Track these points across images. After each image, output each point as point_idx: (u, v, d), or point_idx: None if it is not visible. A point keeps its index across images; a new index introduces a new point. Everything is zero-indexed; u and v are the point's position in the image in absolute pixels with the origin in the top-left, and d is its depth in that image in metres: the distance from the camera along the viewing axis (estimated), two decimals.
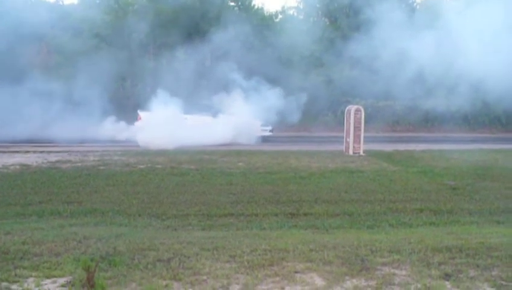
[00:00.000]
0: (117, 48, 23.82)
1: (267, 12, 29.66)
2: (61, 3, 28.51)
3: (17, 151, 15.20)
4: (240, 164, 13.07)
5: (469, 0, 20.90)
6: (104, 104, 19.90)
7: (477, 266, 4.88)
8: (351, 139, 15.51)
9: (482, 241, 5.82)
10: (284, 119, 20.28)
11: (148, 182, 10.50)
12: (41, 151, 15.16)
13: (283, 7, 33.08)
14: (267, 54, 24.01)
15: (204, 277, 4.49)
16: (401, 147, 17.12)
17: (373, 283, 4.41)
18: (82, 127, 17.98)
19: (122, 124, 19.18)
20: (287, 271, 4.67)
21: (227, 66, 20.57)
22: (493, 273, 4.69)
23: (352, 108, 15.91)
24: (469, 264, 4.92)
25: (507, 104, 22.63)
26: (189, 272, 4.62)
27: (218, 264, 4.84)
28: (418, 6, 29.49)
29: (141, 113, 18.41)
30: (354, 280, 4.47)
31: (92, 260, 4.11)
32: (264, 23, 27.51)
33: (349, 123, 15.61)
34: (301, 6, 29.85)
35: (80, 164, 12.71)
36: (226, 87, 19.91)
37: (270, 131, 19.53)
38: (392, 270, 4.73)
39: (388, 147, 16.90)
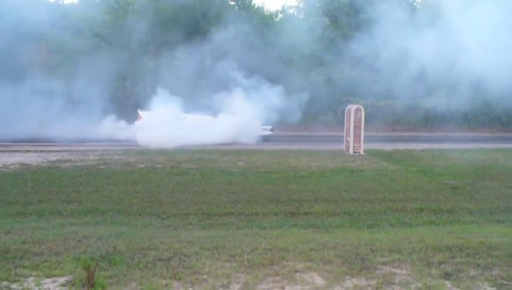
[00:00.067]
0: (117, 47, 23.83)
1: (267, 12, 29.72)
2: (61, 2, 28.56)
3: (18, 151, 15.20)
4: (240, 163, 13.07)
5: None
6: (104, 103, 19.91)
7: (478, 265, 4.87)
8: (351, 139, 15.51)
9: (482, 240, 5.82)
10: (284, 119, 20.27)
11: (148, 181, 10.50)
12: (42, 151, 15.17)
13: (283, 6, 33.17)
14: (267, 54, 24.02)
15: (205, 276, 4.49)
16: (401, 146, 17.12)
17: (373, 282, 4.41)
18: (82, 127, 18.00)
19: (122, 123, 19.17)
20: (287, 270, 4.66)
21: (228, 64, 20.55)
22: (493, 272, 4.68)
23: (353, 107, 15.91)
24: (469, 264, 4.91)
25: (507, 103, 22.62)
26: (189, 271, 4.61)
27: (218, 264, 4.84)
28: (418, 6, 29.51)
29: (141, 113, 18.40)
30: (354, 279, 4.47)
31: (92, 259, 4.10)
32: (264, 22, 27.51)
33: (350, 122, 15.61)
34: (301, 6, 29.89)
35: (80, 163, 12.71)
36: (226, 86, 19.89)
37: (270, 130, 19.51)
38: (393, 270, 4.72)
39: (388, 147, 16.90)
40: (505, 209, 8.59)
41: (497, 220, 7.95)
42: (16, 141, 16.73)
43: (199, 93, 21.26)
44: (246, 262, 4.88)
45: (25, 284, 4.29)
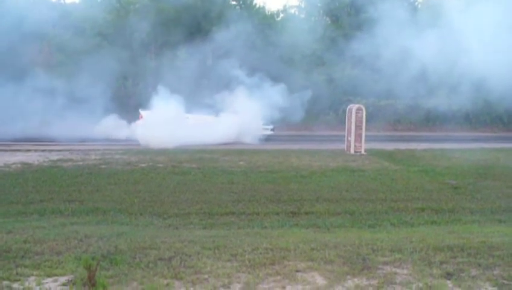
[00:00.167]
0: (119, 47, 23.85)
1: (268, 11, 29.77)
2: (62, 1, 28.67)
3: (19, 150, 15.22)
4: (241, 162, 13.07)
5: None
6: (106, 103, 19.94)
7: (479, 265, 4.87)
8: (352, 138, 15.50)
9: (484, 240, 5.81)
10: (287, 117, 20.26)
11: (149, 180, 10.50)
12: (43, 150, 15.19)
13: (284, 6, 33.21)
14: (268, 53, 24.02)
15: (206, 276, 4.49)
16: (403, 146, 17.11)
17: (374, 282, 4.40)
18: (83, 126, 18.02)
19: (124, 122, 19.18)
20: (288, 270, 4.66)
21: (229, 63, 20.53)
22: (495, 272, 4.68)
23: (354, 107, 15.90)
24: (471, 264, 4.90)
25: (509, 103, 22.61)
26: (191, 271, 4.61)
27: (220, 263, 4.84)
28: (419, 5, 29.50)
29: (142, 112, 18.40)
30: (356, 279, 4.46)
31: (93, 258, 4.11)
32: (265, 22, 27.53)
33: (351, 122, 15.60)
34: (303, 5, 29.91)
35: (81, 163, 12.72)
36: (228, 85, 19.88)
37: (272, 130, 19.49)
38: (394, 270, 4.72)
39: (389, 146, 16.89)
40: (506, 209, 8.57)
41: (498, 219, 7.94)
42: (17, 140, 16.76)
43: (201, 92, 21.26)
44: (247, 262, 4.88)
45: (26, 284, 4.30)
